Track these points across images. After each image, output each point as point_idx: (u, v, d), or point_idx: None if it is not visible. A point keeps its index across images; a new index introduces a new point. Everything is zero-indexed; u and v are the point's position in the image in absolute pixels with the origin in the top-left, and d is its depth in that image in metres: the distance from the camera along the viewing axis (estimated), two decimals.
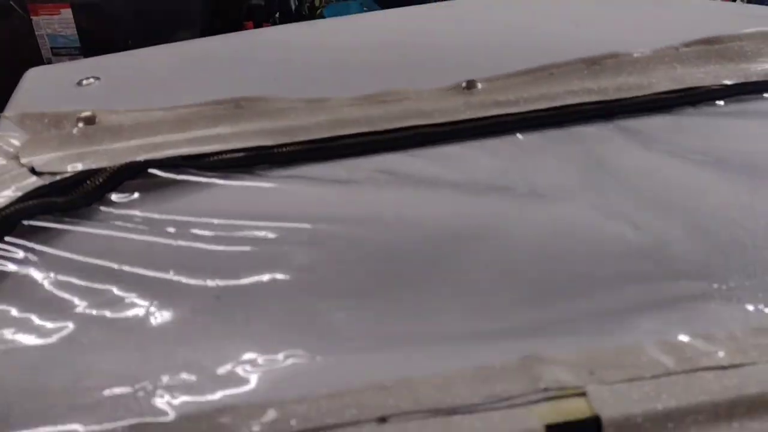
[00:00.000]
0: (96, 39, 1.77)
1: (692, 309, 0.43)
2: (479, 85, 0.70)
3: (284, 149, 0.61)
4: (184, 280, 0.46)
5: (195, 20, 1.89)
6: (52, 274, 0.47)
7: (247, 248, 0.50)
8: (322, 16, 2.22)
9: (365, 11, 2.26)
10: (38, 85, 0.85)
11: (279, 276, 0.48)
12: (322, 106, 0.67)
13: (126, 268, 0.48)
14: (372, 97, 0.68)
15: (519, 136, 0.63)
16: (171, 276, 0.47)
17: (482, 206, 0.54)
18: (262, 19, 2.02)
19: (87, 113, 0.63)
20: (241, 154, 0.60)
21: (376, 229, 0.53)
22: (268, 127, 0.64)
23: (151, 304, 0.45)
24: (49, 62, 1.75)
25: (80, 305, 0.45)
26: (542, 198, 0.54)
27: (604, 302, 0.44)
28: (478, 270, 0.48)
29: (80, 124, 0.63)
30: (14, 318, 0.43)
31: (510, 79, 0.70)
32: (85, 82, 0.82)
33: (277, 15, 2.01)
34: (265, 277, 0.47)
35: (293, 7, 2.16)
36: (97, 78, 0.82)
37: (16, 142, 0.61)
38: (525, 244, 0.50)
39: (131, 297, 0.45)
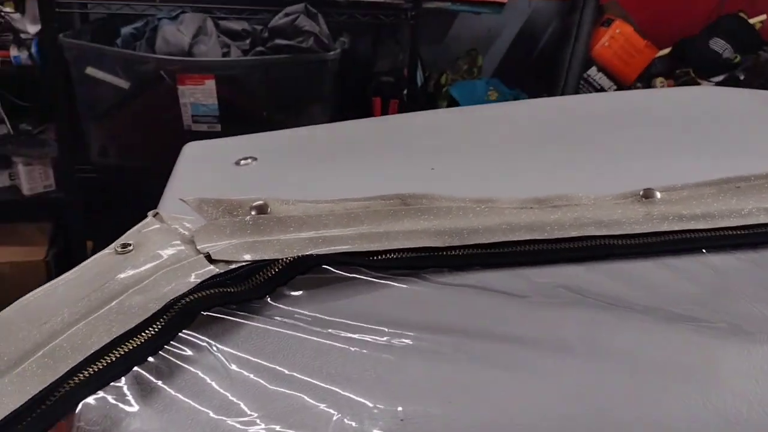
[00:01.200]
0: (234, 109, 1.85)
1: None
2: (658, 195, 0.65)
3: (454, 252, 0.59)
4: (368, 402, 0.44)
5: (327, 95, 1.95)
6: (233, 370, 0.46)
7: (426, 365, 0.47)
8: (448, 94, 2.24)
9: (491, 90, 2.27)
10: (197, 163, 0.87)
11: (462, 401, 0.45)
12: (490, 208, 0.65)
13: (297, 374, 0.46)
14: (543, 201, 0.65)
15: (710, 256, 0.58)
16: (352, 395, 0.44)
17: (682, 339, 0.49)
18: (390, 95, 2.06)
19: (260, 202, 0.63)
20: (411, 255, 0.58)
21: (564, 356, 0.48)
22: (434, 227, 0.62)
23: (332, 420, 0.42)
24: (189, 128, 1.84)
25: (260, 413, 0.43)
26: (749, 335, 0.49)
27: None
28: (688, 417, 0.43)
29: (253, 213, 0.63)
30: (208, 420, 0.42)
31: (692, 190, 0.66)
32: (242, 162, 0.83)
33: (405, 92, 2.04)
34: (448, 403, 0.44)
35: (419, 83, 2.19)
36: (254, 158, 0.84)
37: (189, 225, 0.62)
38: (738, 390, 0.44)
39: (312, 409, 0.43)
